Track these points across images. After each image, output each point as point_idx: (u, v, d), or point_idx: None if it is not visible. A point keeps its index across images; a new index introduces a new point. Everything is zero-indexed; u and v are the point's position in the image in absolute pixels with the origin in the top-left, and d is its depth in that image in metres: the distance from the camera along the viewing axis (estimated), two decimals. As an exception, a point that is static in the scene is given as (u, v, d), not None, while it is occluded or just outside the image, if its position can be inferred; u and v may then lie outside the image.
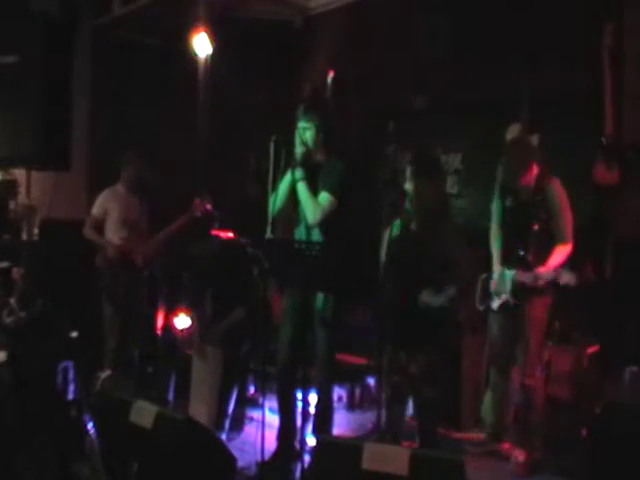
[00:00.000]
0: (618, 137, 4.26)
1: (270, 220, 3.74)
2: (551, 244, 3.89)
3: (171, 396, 4.59)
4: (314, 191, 3.74)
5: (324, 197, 3.75)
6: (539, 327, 3.98)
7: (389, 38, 5.84)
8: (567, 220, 3.88)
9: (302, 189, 3.72)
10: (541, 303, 3.94)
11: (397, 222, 3.62)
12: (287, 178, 3.78)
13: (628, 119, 4.22)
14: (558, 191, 3.91)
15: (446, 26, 5.51)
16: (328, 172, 3.81)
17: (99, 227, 5.10)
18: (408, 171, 3.55)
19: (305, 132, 3.80)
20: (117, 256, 4.97)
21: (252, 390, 4.99)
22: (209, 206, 4.79)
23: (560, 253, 3.85)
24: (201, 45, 5.70)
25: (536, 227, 3.86)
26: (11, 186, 5.30)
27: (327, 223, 3.77)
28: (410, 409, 4.08)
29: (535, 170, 3.98)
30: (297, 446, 3.78)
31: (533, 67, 4.71)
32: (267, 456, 3.82)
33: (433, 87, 5.54)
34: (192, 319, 4.76)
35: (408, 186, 3.55)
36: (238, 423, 4.49)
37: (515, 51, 4.82)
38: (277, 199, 3.78)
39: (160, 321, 5.02)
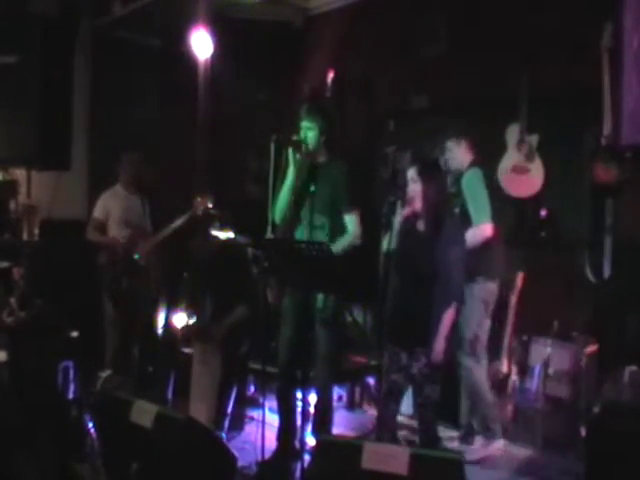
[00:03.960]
0: (617, 137, 4.26)
1: (271, 221, 3.75)
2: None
3: (171, 396, 4.59)
4: (314, 192, 3.75)
5: (350, 219, 3.82)
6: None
7: (389, 38, 5.84)
8: (475, 204, 4.08)
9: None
10: None
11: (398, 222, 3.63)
12: (288, 183, 3.79)
13: (627, 119, 4.22)
14: (467, 178, 4.16)
15: (446, 26, 5.51)
16: (331, 175, 3.82)
17: (102, 229, 5.12)
18: (411, 172, 3.55)
19: (307, 132, 3.80)
20: (122, 253, 4.97)
21: (252, 390, 4.99)
22: (210, 204, 4.79)
23: (469, 234, 4.01)
24: (201, 45, 5.70)
25: (457, 210, 4.16)
26: (11, 186, 5.30)
27: (330, 224, 3.79)
28: (410, 408, 4.10)
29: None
30: (297, 446, 3.78)
31: (533, 67, 4.72)
32: (267, 456, 3.83)
33: (433, 87, 5.54)
34: (192, 318, 4.76)
35: (411, 187, 3.55)
36: (238, 423, 4.49)
37: (515, 51, 4.82)
38: (281, 209, 3.80)
39: (160, 321, 5.02)
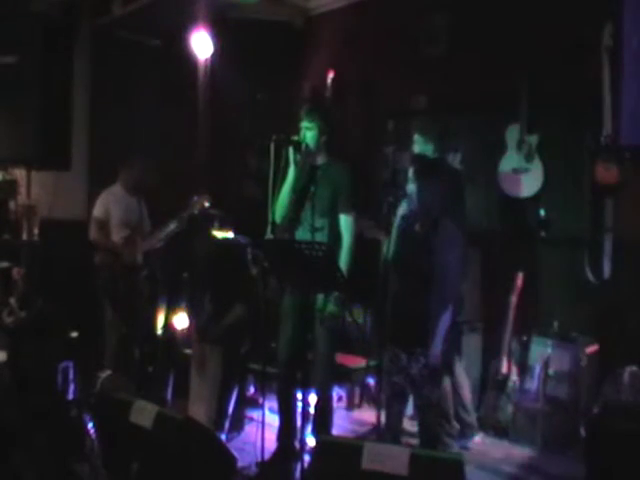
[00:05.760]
0: (617, 137, 4.26)
1: (271, 221, 3.74)
2: None
3: (170, 396, 4.59)
4: (314, 193, 3.74)
5: (346, 220, 3.80)
6: None
7: (389, 38, 5.84)
8: None
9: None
10: None
11: (397, 222, 3.63)
12: (288, 182, 3.79)
13: (627, 119, 4.22)
14: None
15: (446, 26, 5.51)
16: (331, 177, 3.82)
17: (104, 228, 5.08)
18: (410, 172, 3.55)
19: (307, 132, 3.80)
20: (120, 254, 4.96)
21: (252, 390, 4.99)
22: (207, 203, 4.78)
23: None
24: (201, 45, 5.70)
25: None
26: (11, 186, 5.30)
27: (331, 225, 3.79)
28: (410, 409, 4.09)
29: None
30: (297, 446, 3.78)
31: (533, 67, 4.72)
32: (267, 456, 3.83)
33: (433, 87, 5.54)
34: (191, 319, 4.76)
35: (410, 187, 3.55)
36: (238, 423, 4.48)
37: (515, 51, 4.82)
38: (281, 208, 3.80)
39: (160, 321, 5.02)
